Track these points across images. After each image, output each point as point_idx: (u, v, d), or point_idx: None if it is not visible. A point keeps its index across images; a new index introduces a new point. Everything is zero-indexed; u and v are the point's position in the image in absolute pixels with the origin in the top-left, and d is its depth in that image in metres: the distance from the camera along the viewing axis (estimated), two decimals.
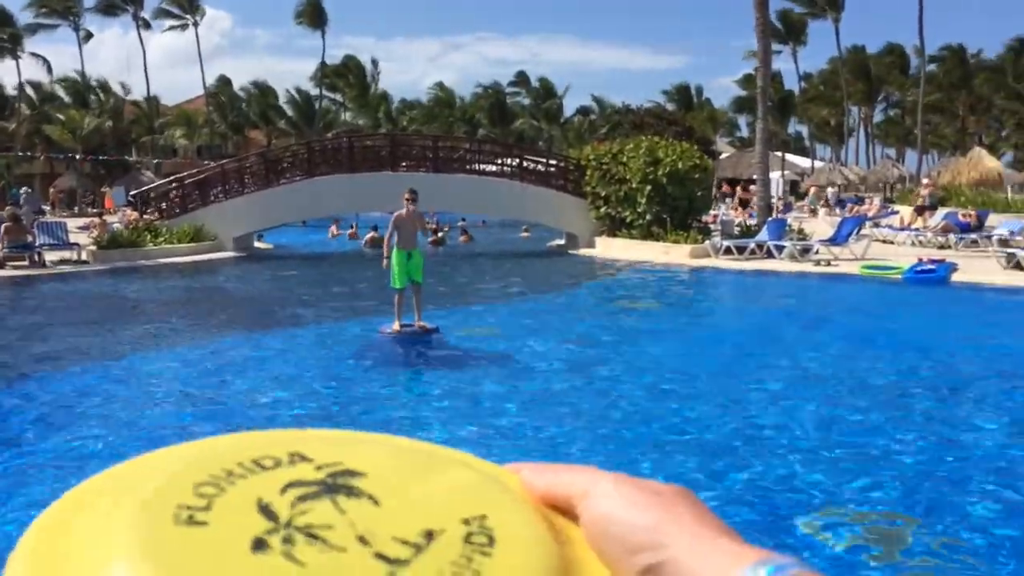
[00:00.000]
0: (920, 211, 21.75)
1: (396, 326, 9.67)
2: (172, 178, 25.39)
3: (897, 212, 24.72)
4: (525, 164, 23.81)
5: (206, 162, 35.25)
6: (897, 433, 5.99)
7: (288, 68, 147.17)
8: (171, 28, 56.18)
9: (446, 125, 58.25)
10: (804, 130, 68.51)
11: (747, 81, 55.90)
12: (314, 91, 60.63)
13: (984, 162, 29.26)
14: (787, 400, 6.98)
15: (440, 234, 26.02)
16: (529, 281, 16.96)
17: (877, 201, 29.91)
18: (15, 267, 16.83)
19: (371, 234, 24.87)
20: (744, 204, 31.30)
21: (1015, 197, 25.95)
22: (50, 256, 17.80)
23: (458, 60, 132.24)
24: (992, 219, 19.64)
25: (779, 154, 44.61)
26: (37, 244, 17.71)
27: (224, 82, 59.71)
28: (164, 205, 22.10)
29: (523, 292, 15.07)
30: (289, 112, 59.42)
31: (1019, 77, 54.36)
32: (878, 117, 67.14)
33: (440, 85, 64.64)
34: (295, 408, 6.88)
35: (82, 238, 19.65)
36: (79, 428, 6.25)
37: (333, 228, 29.61)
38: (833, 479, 5.05)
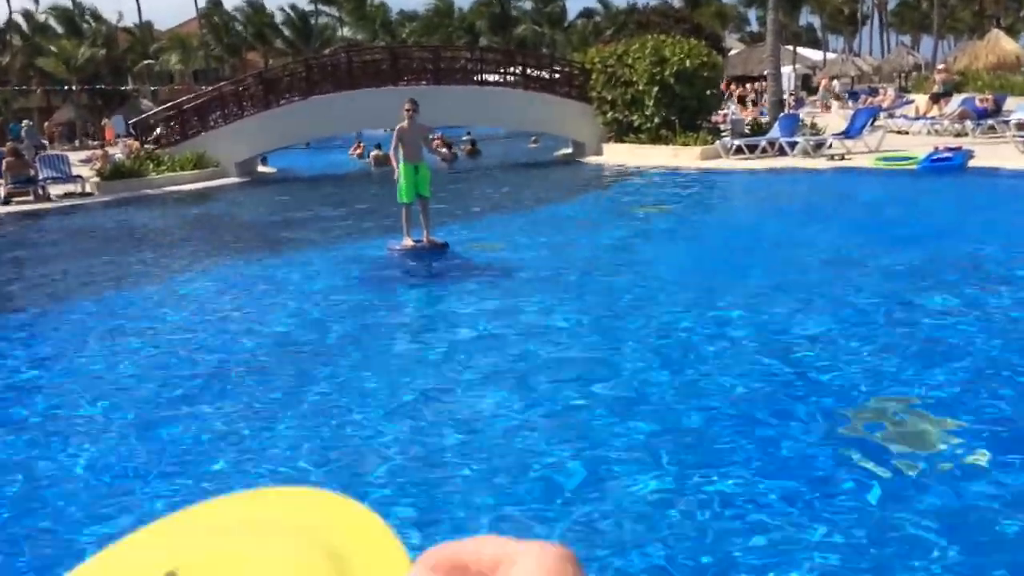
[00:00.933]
0: (936, 99, 21.14)
1: (407, 242, 9.58)
2: (170, 104, 24.93)
3: (912, 101, 24.06)
4: (529, 72, 23.20)
5: (203, 87, 34.56)
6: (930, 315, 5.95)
7: None
8: None
9: (446, 36, 56.68)
10: (816, 21, 66.35)
11: None
12: (309, 7, 58.98)
13: (1002, 44, 28.26)
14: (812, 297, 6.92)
15: (452, 149, 25.39)
16: (537, 192, 16.79)
17: (891, 91, 29.11)
18: (20, 203, 16.76)
19: (375, 152, 24.52)
20: (742, 100, 30.60)
21: None
22: (54, 190, 17.71)
23: None
24: (1009, 103, 19.08)
25: (790, 47, 43.22)
26: (41, 178, 17.58)
27: (215, 3, 58.06)
28: (164, 132, 21.80)
29: (532, 203, 14.92)
30: (285, 31, 57.91)
31: None
32: (892, 2, 64.84)
33: None
34: (307, 325, 6.87)
35: (84, 171, 19.51)
36: (107, 348, 6.30)
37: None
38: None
